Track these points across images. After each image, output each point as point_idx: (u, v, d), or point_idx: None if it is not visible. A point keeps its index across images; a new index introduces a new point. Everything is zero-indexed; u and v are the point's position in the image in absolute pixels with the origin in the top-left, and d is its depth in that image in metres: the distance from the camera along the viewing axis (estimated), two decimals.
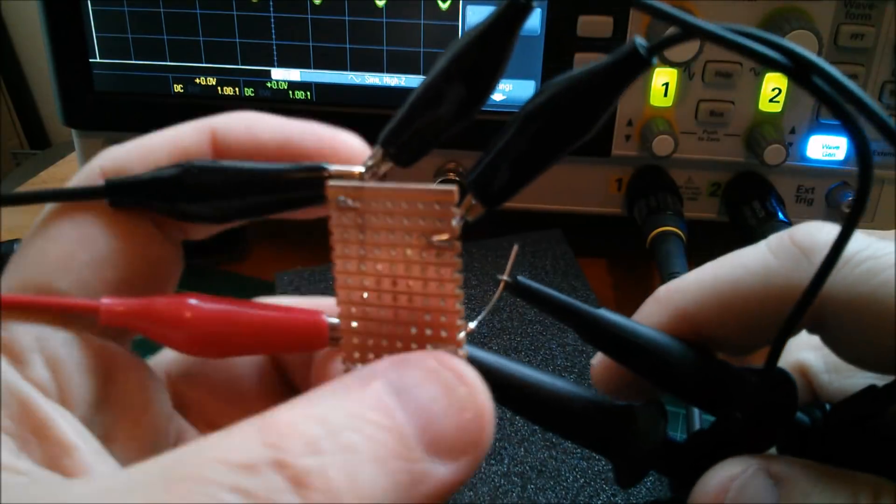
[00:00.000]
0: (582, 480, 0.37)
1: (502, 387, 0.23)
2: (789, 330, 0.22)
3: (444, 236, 0.19)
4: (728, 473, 0.23)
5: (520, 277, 0.23)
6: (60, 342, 0.20)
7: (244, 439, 0.16)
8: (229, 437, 0.17)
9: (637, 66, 0.20)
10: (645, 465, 0.24)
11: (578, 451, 0.38)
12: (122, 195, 0.22)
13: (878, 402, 0.24)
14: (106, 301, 0.21)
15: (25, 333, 0.20)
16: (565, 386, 0.24)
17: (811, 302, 0.21)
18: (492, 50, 0.20)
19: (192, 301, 0.21)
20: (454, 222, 0.19)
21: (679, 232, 0.47)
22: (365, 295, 0.21)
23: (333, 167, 0.22)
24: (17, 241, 0.55)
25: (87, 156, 0.54)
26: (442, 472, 0.18)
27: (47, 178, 0.70)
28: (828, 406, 0.25)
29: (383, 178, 0.22)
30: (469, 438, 0.18)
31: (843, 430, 0.24)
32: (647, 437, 0.24)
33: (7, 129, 1.53)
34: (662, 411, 0.24)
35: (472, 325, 0.21)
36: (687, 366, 0.24)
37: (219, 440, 0.16)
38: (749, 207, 0.49)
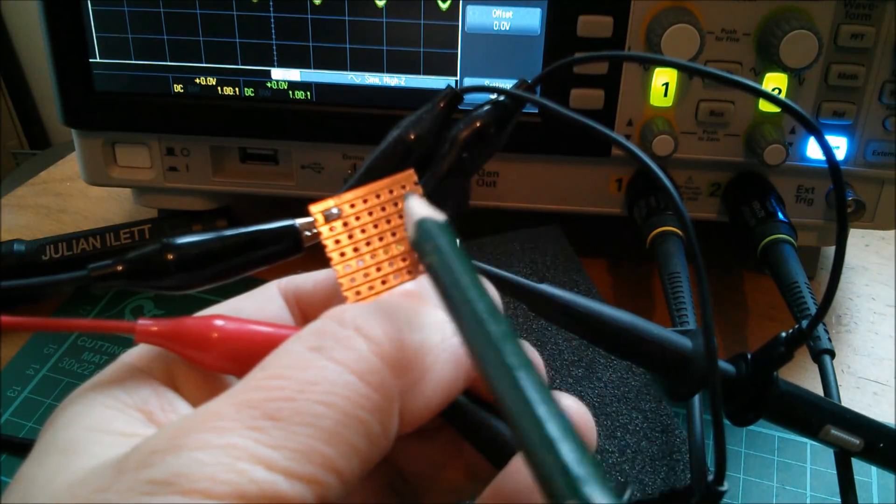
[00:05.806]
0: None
1: (579, 319, 0.27)
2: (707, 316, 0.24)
3: None
4: None
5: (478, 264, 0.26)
6: None
7: None
8: None
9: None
10: (695, 386, 0.28)
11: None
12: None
13: (786, 346, 0.29)
14: (141, 322, 0.22)
15: None
16: (630, 318, 0.28)
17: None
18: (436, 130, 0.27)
19: (219, 322, 0.22)
20: (422, 192, 0.24)
21: (679, 232, 0.47)
22: (369, 287, 0.23)
23: (300, 220, 0.24)
24: (17, 241, 0.55)
25: (87, 156, 0.54)
26: None
27: (47, 178, 0.70)
28: (749, 355, 0.30)
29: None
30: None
31: (762, 376, 0.29)
32: (699, 362, 0.28)
33: (7, 129, 1.54)
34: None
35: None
36: (621, 329, 0.27)
37: None
38: (749, 207, 0.49)
